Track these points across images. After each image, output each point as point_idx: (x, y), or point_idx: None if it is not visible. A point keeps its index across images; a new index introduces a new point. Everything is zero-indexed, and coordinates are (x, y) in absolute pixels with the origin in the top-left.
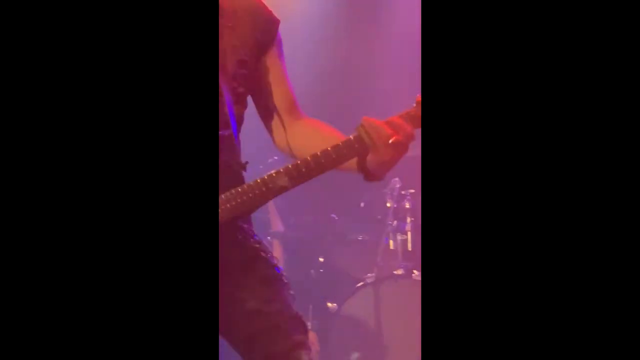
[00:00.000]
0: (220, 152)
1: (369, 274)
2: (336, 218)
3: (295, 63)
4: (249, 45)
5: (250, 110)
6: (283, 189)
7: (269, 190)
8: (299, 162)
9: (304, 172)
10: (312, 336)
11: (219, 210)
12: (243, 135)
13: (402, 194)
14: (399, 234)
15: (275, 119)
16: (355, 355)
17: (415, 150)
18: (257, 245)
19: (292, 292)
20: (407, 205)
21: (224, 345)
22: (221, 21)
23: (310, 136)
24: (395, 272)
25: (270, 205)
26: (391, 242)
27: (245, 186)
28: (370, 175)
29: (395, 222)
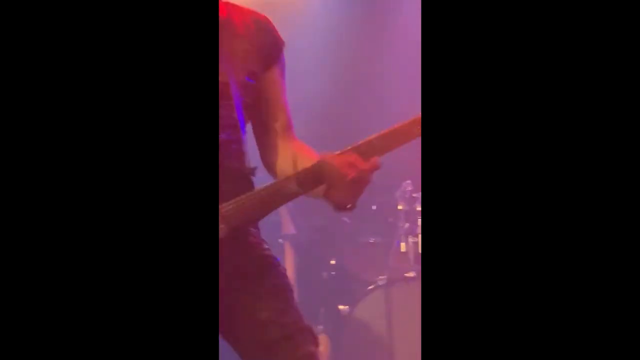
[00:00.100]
0: (230, 158)
1: (380, 277)
2: (348, 221)
3: (304, 66)
4: (257, 57)
5: None
6: (294, 195)
7: (279, 195)
8: (310, 168)
9: (316, 179)
10: (323, 339)
11: (230, 215)
12: (250, 141)
13: (414, 196)
14: (410, 236)
15: (268, 136)
16: None
17: None
18: (268, 253)
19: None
20: (419, 208)
21: (223, 345)
22: (233, 30)
23: (297, 161)
24: (406, 274)
25: (282, 207)
26: (403, 244)
27: (255, 191)
28: (337, 207)
29: (406, 225)
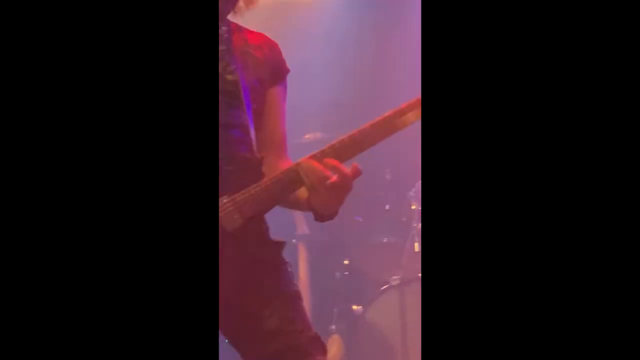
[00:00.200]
0: (239, 149)
1: (394, 277)
2: (361, 220)
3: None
4: (262, 71)
5: None
6: (299, 184)
7: (285, 184)
8: (317, 154)
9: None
10: (336, 339)
11: (243, 205)
12: None
13: None
14: None
15: (265, 151)
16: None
17: None
18: (280, 260)
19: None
20: None
21: (223, 345)
22: (246, 41)
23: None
24: (420, 274)
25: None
26: (416, 244)
27: (263, 180)
28: (319, 215)
29: (420, 225)
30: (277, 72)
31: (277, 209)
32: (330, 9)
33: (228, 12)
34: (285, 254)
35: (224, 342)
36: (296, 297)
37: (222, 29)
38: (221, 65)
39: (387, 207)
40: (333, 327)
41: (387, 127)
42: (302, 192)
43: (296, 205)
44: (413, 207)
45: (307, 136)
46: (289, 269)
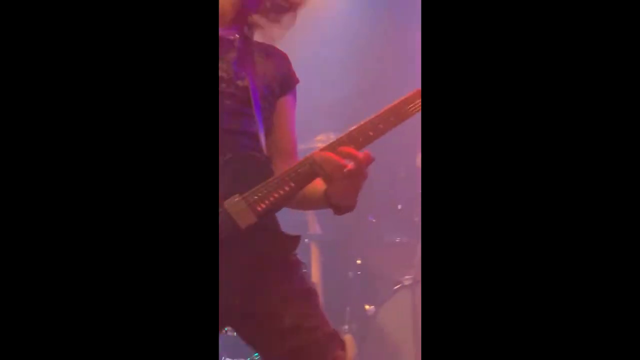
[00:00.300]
0: (249, 150)
1: (406, 277)
2: (374, 220)
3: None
4: (273, 80)
5: None
6: (313, 175)
7: (297, 178)
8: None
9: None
10: (348, 339)
11: (253, 204)
12: None
13: None
14: None
15: (275, 159)
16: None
17: None
18: (294, 258)
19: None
20: None
21: (223, 344)
22: (257, 52)
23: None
24: None
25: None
26: None
27: (274, 178)
28: (337, 207)
29: None
30: (287, 83)
31: (288, 208)
32: (340, 9)
33: (241, 24)
34: (298, 254)
35: (223, 342)
36: (312, 293)
37: (233, 37)
38: (231, 71)
39: (399, 206)
40: (345, 327)
41: (395, 116)
42: (319, 187)
43: (313, 202)
44: None
45: (318, 137)
46: (303, 268)
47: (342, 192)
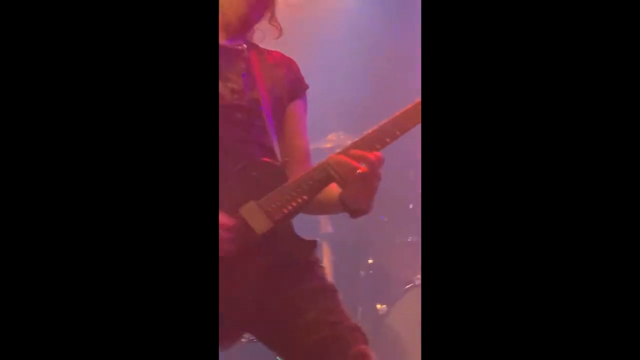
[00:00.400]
0: (262, 158)
1: (418, 276)
2: (385, 219)
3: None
4: (282, 88)
5: None
6: (329, 180)
7: (311, 183)
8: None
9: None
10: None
11: (268, 210)
12: None
13: None
14: None
15: (288, 165)
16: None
17: None
18: (311, 241)
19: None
20: None
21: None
22: (265, 61)
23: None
24: None
25: None
26: None
27: (290, 182)
28: (353, 211)
29: None
30: (296, 89)
31: None
32: (350, 8)
33: (247, 31)
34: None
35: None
36: (331, 289)
37: (241, 47)
38: (241, 83)
39: (410, 206)
40: None
41: (407, 120)
42: (334, 192)
43: (329, 207)
44: None
45: (329, 137)
46: (321, 265)
47: (357, 195)
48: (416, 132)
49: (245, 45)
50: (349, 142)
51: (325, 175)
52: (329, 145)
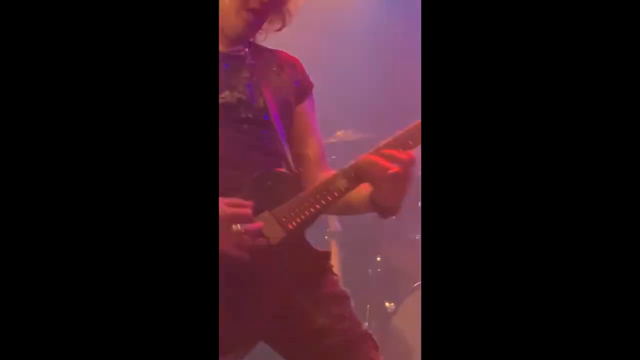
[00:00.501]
0: (275, 167)
1: None
2: (394, 217)
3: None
4: (288, 91)
5: None
6: (342, 191)
7: (329, 193)
8: (353, 163)
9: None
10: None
11: (285, 218)
12: None
13: None
14: None
15: (304, 165)
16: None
17: None
18: (323, 262)
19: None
20: None
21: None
22: (268, 66)
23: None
24: None
25: None
26: None
27: (305, 192)
28: (383, 210)
29: None
30: (302, 90)
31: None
32: (359, 4)
33: (250, 36)
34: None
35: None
36: (343, 296)
37: (244, 53)
38: (247, 93)
39: (419, 204)
40: (366, 324)
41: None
42: (363, 192)
43: (356, 207)
44: None
45: (338, 133)
46: (334, 272)
47: (388, 195)
48: None
49: (247, 50)
50: (355, 138)
51: (340, 187)
52: (332, 142)
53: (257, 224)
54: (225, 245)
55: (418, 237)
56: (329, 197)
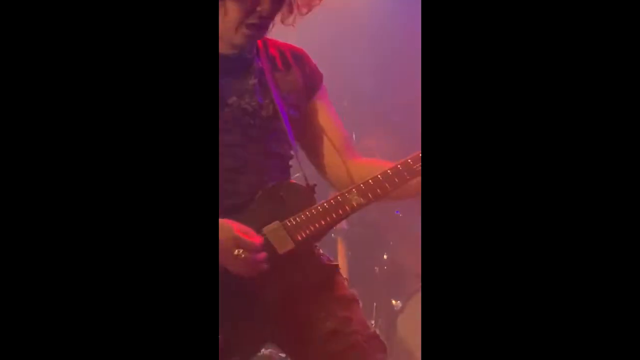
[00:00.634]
0: (288, 176)
1: None
2: (400, 215)
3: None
4: (298, 89)
5: None
6: (356, 206)
7: (342, 207)
8: (370, 181)
9: (378, 192)
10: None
11: (295, 229)
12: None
13: None
14: None
15: (327, 157)
16: None
17: None
18: (331, 265)
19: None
20: None
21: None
22: (274, 65)
23: (375, 169)
24: None
25: None
26: None
27: (318, 205)
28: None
29: None
30: (313, 82)
31: None
32: (361, 5)
33: (255, 44)
34: (325, 248)
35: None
36: (351, 299)
37: (251, 55)
38: (255, 101)
39: None
40: (372, 322)
41: None
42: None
43: (404, 196)
44: None
45: None
46: (342, 275)
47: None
48: None
49: (254, 51)
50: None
51: (354, 202)
52: None
53: (258, 238)
54: (230, 264)
55: None
56: (340, 211)
